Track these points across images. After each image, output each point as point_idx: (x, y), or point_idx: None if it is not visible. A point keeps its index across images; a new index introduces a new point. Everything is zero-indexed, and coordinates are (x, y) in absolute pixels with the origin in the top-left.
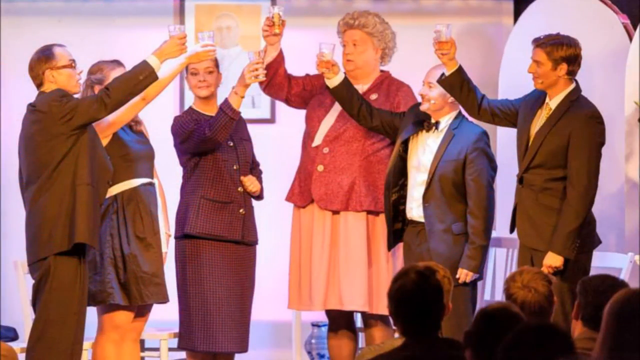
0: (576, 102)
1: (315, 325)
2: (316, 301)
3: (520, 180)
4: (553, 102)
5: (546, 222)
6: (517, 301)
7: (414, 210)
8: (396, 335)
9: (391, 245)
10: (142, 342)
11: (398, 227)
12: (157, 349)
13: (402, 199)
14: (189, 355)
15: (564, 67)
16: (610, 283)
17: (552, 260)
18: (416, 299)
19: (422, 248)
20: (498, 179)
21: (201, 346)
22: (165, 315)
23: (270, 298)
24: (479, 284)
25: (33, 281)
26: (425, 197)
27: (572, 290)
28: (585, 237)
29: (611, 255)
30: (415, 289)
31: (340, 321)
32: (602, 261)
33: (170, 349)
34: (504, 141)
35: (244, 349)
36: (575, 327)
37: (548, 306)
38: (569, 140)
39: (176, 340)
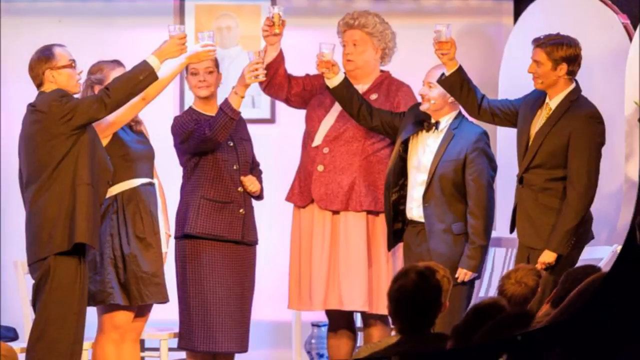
0: (576, 102)
1: (315, 325)
2: (316, 301)
3: (520, 180)
4: (553, 102)
5: (546, 222)
6: (507, 295)
7: (414, 210)
8: (392, 333)
9: (391, 245)
10: (142, 342)
11: (398, 227)
12: (157, 349)
13: (402, 199)
14: (189, 355)
15: (564, 67)
16: (589, 272)
17: (547, 257)
18: (416, 299)
19: (422, 248)
20: (498, 179)
21: (201, 346)
22: (165, 315)
23: (270, 298)
24: (476, 282)
25: (33, 281)
26: (425, 197)
27: (556, 281)
28: (582, 235)
29: (599, 248)
30: (415, 289)
31: (340, 321)
32: (591, 254)
33: (170, 349)
34: (504, 141)
35: (244, 348)
36: (542, 309)
37: (531, 297)
38: (569, 140)
39: (176, 340)
